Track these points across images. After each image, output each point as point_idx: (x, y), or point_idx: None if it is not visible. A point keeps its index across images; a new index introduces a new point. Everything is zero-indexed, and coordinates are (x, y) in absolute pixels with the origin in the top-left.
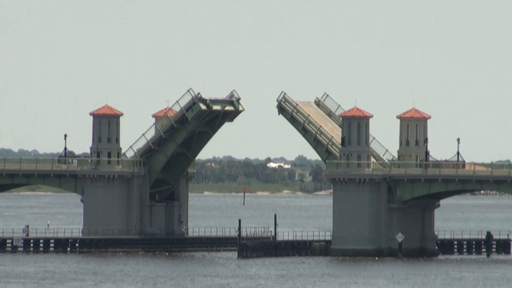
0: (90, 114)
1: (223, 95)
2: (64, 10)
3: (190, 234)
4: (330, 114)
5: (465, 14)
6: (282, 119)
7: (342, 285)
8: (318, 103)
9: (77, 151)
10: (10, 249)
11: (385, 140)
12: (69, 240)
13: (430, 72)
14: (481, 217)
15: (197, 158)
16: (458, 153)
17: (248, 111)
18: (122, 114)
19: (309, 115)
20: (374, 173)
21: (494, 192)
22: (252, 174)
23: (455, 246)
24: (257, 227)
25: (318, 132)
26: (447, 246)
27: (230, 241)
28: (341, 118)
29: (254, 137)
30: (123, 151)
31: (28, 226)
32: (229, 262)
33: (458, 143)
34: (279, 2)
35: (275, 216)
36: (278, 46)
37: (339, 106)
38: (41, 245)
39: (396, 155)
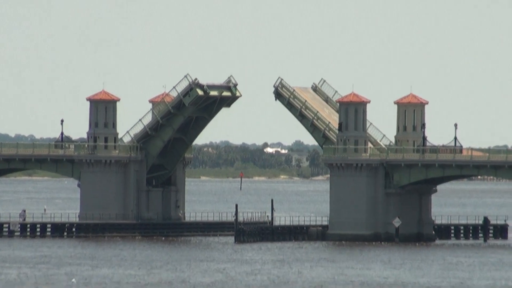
0: (87, 99)
1: (220, 80)
2: None
3: (187, 219)
4: (327, 99)
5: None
6: (279, 104)
7: (338, 270)
8: (315, 88)
9: (74, 136)
10: (7, 233)
11: (383, 125)
12: (66, 225)
13: (427, 57)
14: (478, 202)
15: (194, 143)
16: (455, 138)
17: (245, 97)
18: (119, 100)
19: (306, 100)
20: (371, 158)
21: (491, 177)
22: (249, 159)
23: (452, 231)
24: (254, 212)
25: (315, 117)
26: (444, 231)
27: (227, 226)
28: (338, 104)
29: (251, 122)
30: (120, 136)
31: (24, 211)
32: (226, 247)
33: (456, 128)
34: None
35: (272, 201)
36: (275, 32)
37: (336, 92)
38: (38, 229)
39: (393, 141)
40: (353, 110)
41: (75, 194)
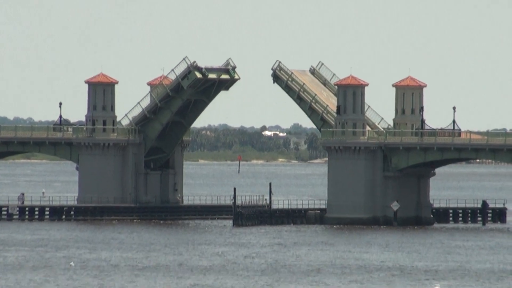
0: (86, 82)
1: (219, 63)
2: None
3: (185, 202)
4: (325, 82)
5: None
6: (277, 87)
7: (336, 253)
8: (313, 71)
9: (72, 119)
10: (5, 217)
11: (381, 108)
12: (64, 208)
13: (426, 40)
14: (476, 185)
15: (192, 126)
16: (454, 121)
17: (244, 80)
18: (117, 82)
19: (304, 83)
20: (370, 141)
21: (489, 160)
22: (247, 142)
23: (451, 215)
24: (252, 195)
25: (313, 100)
26: (442, 215)
27: (225, 209)
28: (336, 87)
29: (250, 105)
30: (118, 119)
31: (23, 194)
32: (224, 230)
33: (454, 111)
34: None
35: (270, 184)
36: (273, 14)
37: (334, 74)
38: (36, 213)
39: (391, 124)
40: (351, 93)
41: (73, 177)
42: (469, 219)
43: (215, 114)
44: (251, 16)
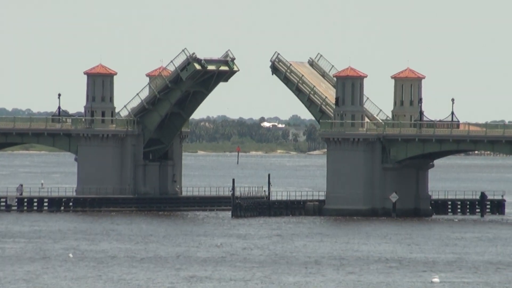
0: (84, 73)
1: (218, 55)
2: None
3: (184, 193)
4: (323, 74)
5: None
6: (276, 79)
7: (335, 245)
8: (312, 63)
9: (71, 110)
10: (4, 208)
11: (379, 100)
12: (63, 199)
13: (425, 32)
14: (475, 177)
15: (191, 117)
16: (452, 113)
17: (243, 71)
18: (116, 73)
19: (302, 75)
20: (368, 133)
21: (488, 152)
22: (246, 134)
23: (449, 207)
24: (251, 186)
25: (312, 92)
26: (441, 207)
27: (224, 201)
28: (335, 79)
29: (249, 97)
30: (117, 110)
31: (22, 185)
32: (223, 222)
33: (453, 103)
34: None
35: (269, 175)
36: (272, 6)
37: (333, 66)
38: (35, 204)
39: (390, 115)
40: (350, 85)
41: (72, 168)
42: (468, 210)
43: (214, 106)
44: (250, 8)
